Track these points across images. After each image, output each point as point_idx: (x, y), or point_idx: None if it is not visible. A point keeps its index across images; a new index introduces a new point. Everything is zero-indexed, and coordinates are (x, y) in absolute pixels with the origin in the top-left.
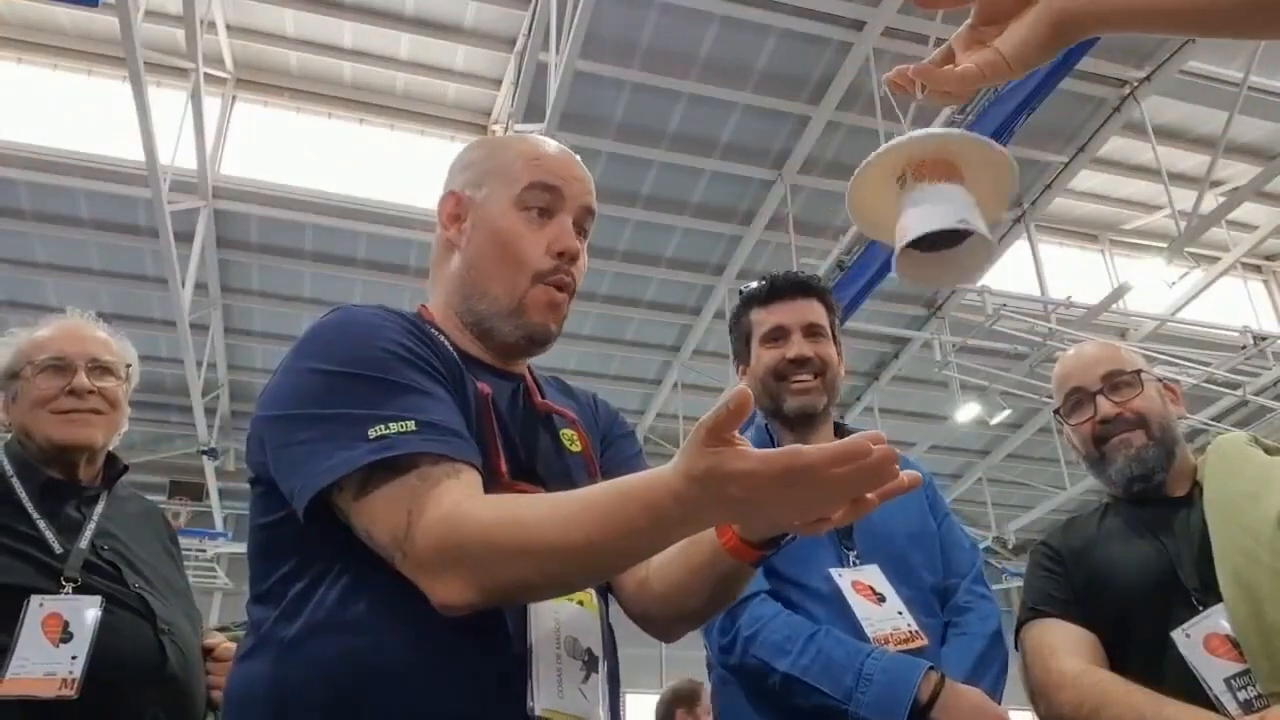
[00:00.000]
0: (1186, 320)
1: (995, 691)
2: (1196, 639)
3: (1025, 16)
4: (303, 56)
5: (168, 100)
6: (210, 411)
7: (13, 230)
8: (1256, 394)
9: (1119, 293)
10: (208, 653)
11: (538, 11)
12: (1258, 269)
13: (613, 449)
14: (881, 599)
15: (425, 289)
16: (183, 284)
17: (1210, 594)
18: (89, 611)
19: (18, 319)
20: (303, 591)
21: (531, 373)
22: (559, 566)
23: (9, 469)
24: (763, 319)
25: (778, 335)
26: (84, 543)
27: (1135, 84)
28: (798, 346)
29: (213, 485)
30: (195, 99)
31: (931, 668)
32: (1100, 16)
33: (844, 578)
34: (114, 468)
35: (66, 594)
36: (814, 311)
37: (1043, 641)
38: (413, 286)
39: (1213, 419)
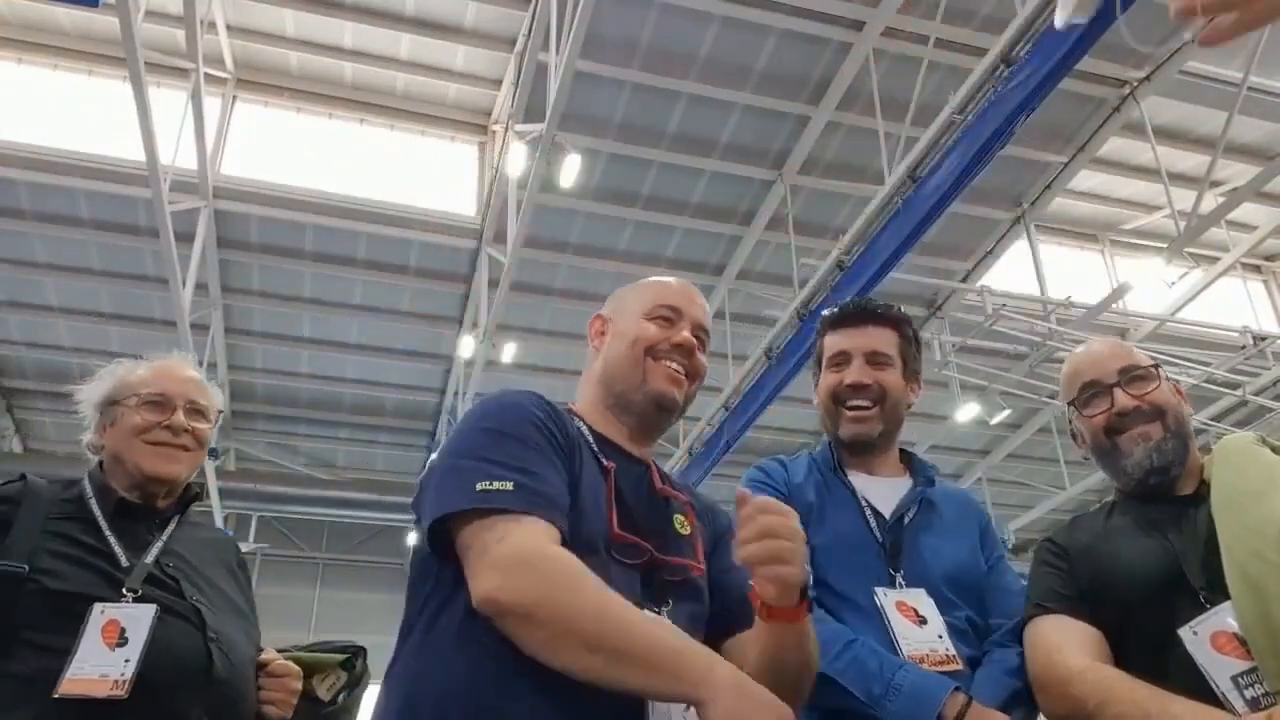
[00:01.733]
0: (1186, 320)
1: None
2: (1204, 636)
3: None
4: (303, 57)
5: (168, 100)
6: None
7: (13, 230)
8: (1256, 394)
9: (1119, 293)
10: (262, 667)
11: (538, 11)
12: (1257, 269)
13: (721, 551)
14: (924, 621)
15: (424, 289)
16: (183, 284)
17: (1217, 592)
18: (144, 618)
19: (18, 319)
20: (435, 613)
21: (657, 466)
22: (568, 625)
23: (89, 491)
24: (831, 343)
25: (840, 360)
26: (149, 558)
27: (1135, 84)
28: (856, 373)
29: (213, 485)
30: (195, 99)
31: (959, 689)
32: None
33: (888, 597)
34: (188, 494)
35: (127, 603)
36: (881, 339)
37: (1048, 637)
38: (413, 287)
39: (1212, 419)
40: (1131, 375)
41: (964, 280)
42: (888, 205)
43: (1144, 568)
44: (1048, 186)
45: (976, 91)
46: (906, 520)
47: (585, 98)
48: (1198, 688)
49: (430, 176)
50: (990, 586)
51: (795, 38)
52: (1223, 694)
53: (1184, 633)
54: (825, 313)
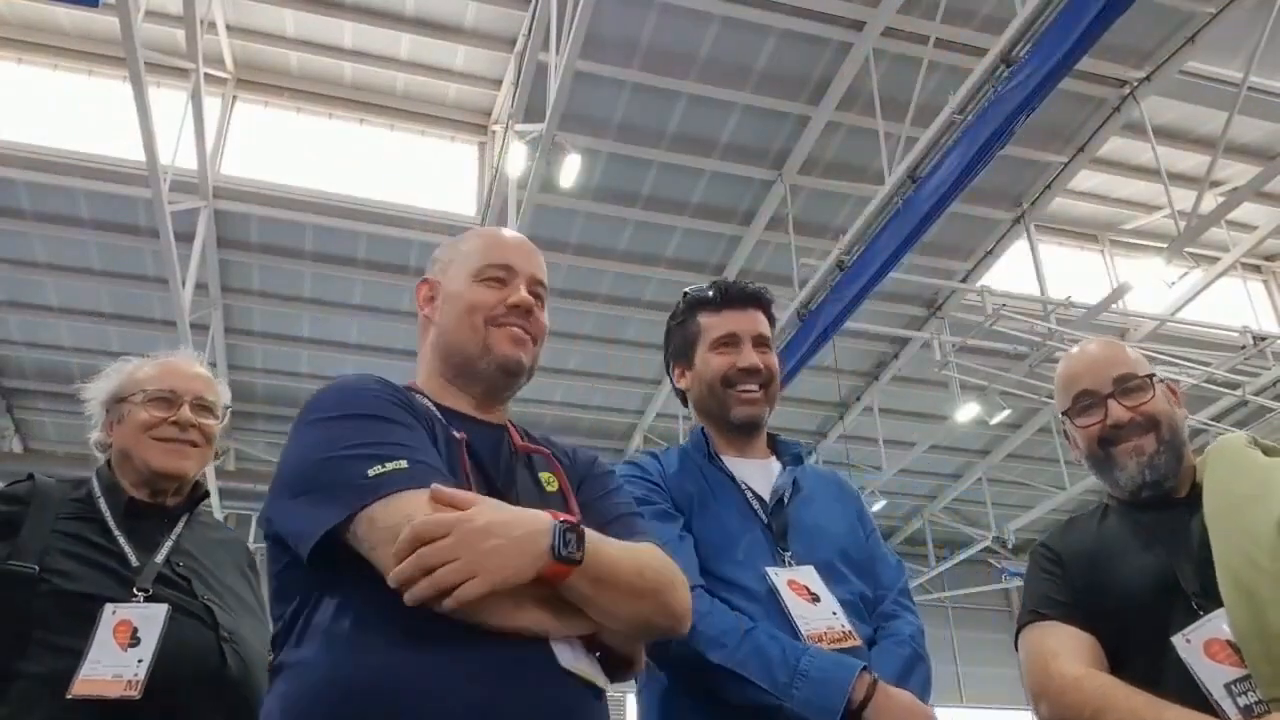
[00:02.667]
0: (1186, 320)
1: (923, 694)
2: (1197, 644)
3: None
4: (303, 57)
5: (168, 100)
6: None
7: (13, 230)
8: (1256, 394)
9: (1118, 293)
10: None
11: (538, 11)
12: (1257, 269)
13: (588, 485)
14: (816, 599)
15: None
16: (183, 284)
17: (1210, 599)
18: (156, 618)
19: (18, 319)
20: (308, 621)
21: (514, 425)
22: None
23: (97, 490)
24: (714, 324)
25: (729, 342)
26: (159, 558)
27: (1135, 84)
28: (750, 356)
29: (213, 485)
30: (195, 99)
31: (865, 668)
32: None
33: (780, 577)
34: (197, 492)
35: (138, 603)
36: (762, 323)
37: (1043, 644)
38: (412, 287)
39: (1212, 419)
40: (1126, 386)
41: (964, 280)
42: (888, 205)
43: (1138, 575)
44: (1048, 186)
45: (976, 91)
46: (786, 499)
47: (585, 98)
48: (1192, 695)
49: (430, 176)
50: (871, 558)
51: (795, 38)
52: (1216, 701)
53: (1177, 640)
54: (697, 291)
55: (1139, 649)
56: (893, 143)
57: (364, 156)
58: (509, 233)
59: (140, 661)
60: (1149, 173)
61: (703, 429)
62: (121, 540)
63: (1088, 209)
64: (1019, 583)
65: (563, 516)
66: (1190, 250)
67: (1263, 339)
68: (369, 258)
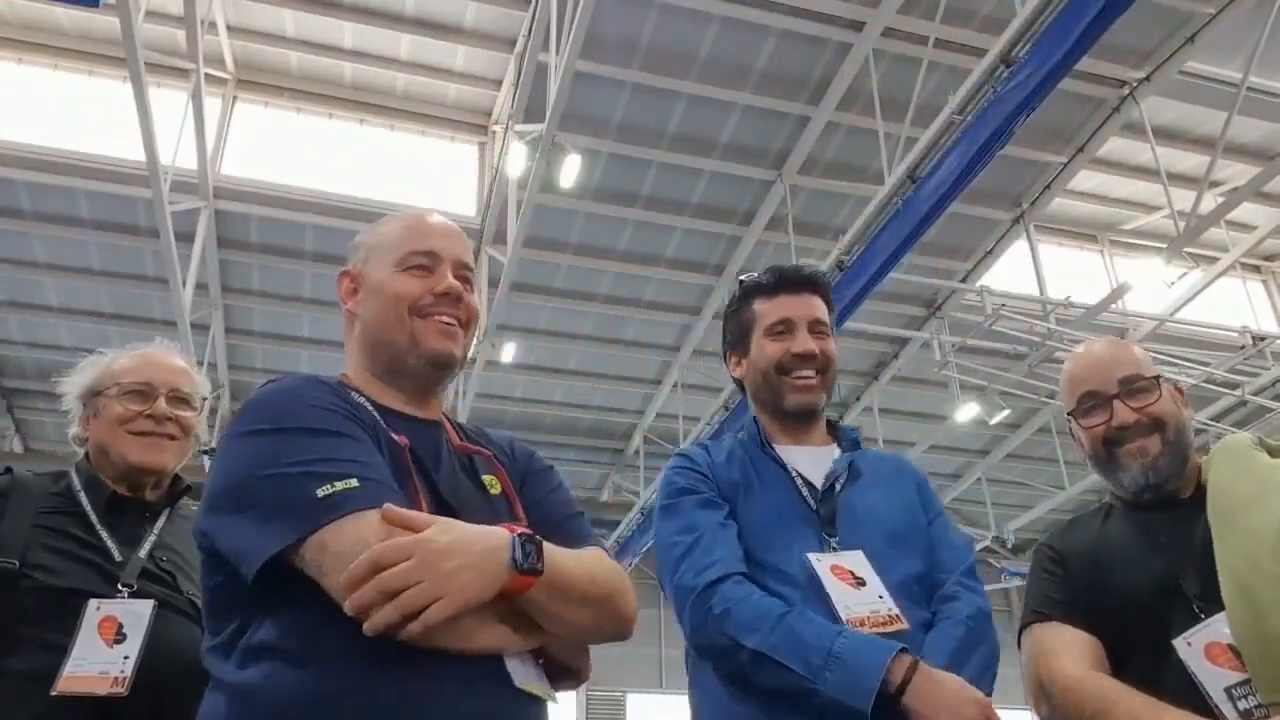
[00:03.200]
0: (1185, 320)
1: (980, 679)
2: (1198, 647)
3: None
4: (303, 57)
5: (168, 100)
6: (211, 411)
7: (13, 230)
8: (1255, 394)
9: (1118, 293)
10: None
11: (538, 12)
12: (1256, 269)
13: (530, 485)
14: (861, 583)
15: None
16: (183, 284)
17: (1212, 602)
18: (142, 614)
19: (18, 319)
20: (250, 641)
21: (449, 420)
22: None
23: (77, 484)
24: (767, 311)
25: (783, 329)
26: (143, 552)
27: (1134, 84)
28: (805, 342)
29: None
30: (196, 99)
31: (904, 650)
32: None
33: (822, 562)
34: (177, 486)
35: (123, 598)
36: (819, 307)
37: (1044, 644)
38: None
39: (1212, 419)
40: (1132, 387)
41: (964, 280)
42: (887, 205)
43: (1139, 577)
44: (1047, 186)
45: (976, 92)
46: (839, 486)
47: (585, 98)
48: (1192, 698)
49: (430, 176)
50: (934, 542)
51: (795, 38)
52: (1215, 705)
53: (1178, 644)
54: (751, 278)
55: (1140, 651)
56: (892, 143)
57: (364, 156)
58: (431, 216)
59: (127, 658)
60: (1148, 173)
61: (755, 418)
62: (104, 535)
63: (1087, 209)
64: (1019, 582)
65: (519, 530)
66: (1190, 250)
67: (1262, 339)
68: None
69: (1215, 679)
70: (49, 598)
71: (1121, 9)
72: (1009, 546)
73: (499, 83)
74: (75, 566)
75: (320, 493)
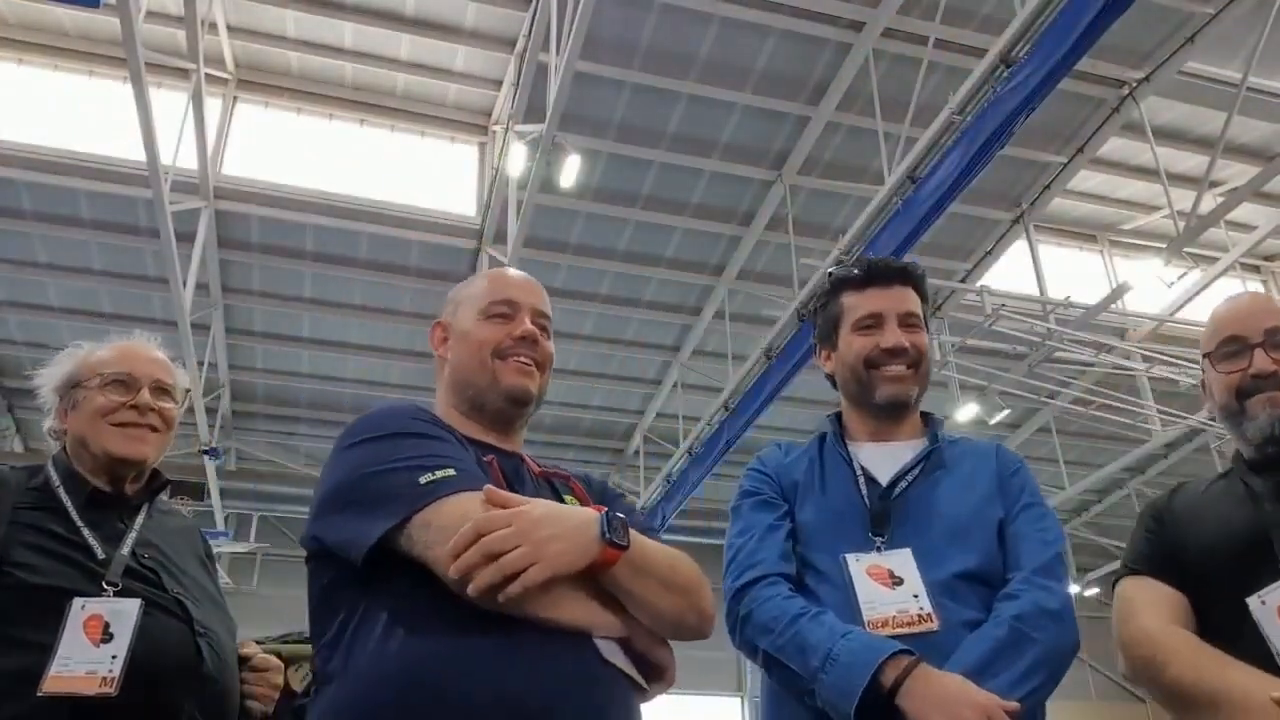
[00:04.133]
0: (1185, 320)
1: (1023, 680)
2: (1271, 606)
3: None
4: (303, 57)
5: (169, 101)
6: (211, 411)
7: (13, 230)
8: None
9: (1118, 293)
10: (244, 661)
11: (538, 12)
12: (1256, 269)
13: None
14: (899, 582)
15: (424, 289)
16: (184, 284)
17: None
18: (129, 613)
19: (18, 319)
20: (356, 631)
21: (526, 455)
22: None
23: (55, 479)
24: (856, 304)
25: (872, 323)
26: (125, 549)
27: (1134, 84)
28: (894, 336)
29: (214, 485)
30: (196, 99)
31: (904, 651)
32: None
33: (860, 563)
34: (156, 481)
35: (108, 597)
36: (910, 300)
37: (1129, 598)
38: (413, 287)
39: (1211, 419)
40: (1277, 338)
41: (964, 280)
42: (887, 205)
43: (1227, 535)
44: (1047, 186)
45: (976, 92)
46: (910, 481)
47: (585, 98)
48: (1268, 657)
49: (430, 177)
50: (1015, 536)
51: (795, 38)
52: None
53: (1252, 601)
54: (841, 271)
55: (1224, 609)
56: (892, 143)
57: (364, 157)
58: (512, 271)
59: (115, 658)
60: (1148, 173)
61: (837, 414)
62: (85, 531)
63: (1087, 209)
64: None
65: (605, 509)
66: (1189, 250)
67: None
68: (369, 258)
69: None
70: (29, 596)
71: (1121, 9)
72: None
73: (499, 83)
74: (56, 564)
75: (422, 479)
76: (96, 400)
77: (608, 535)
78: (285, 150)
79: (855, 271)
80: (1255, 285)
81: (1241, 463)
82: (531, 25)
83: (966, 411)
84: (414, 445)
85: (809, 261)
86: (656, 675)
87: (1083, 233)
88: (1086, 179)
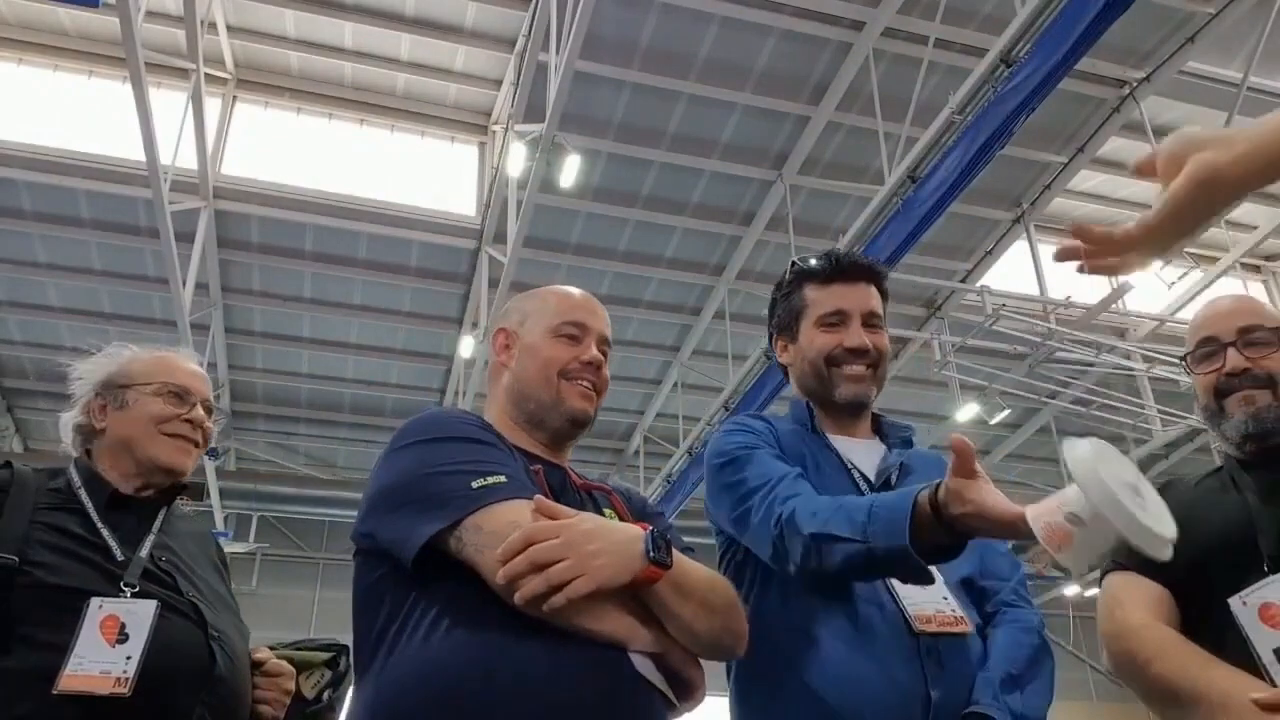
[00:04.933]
0: (1185, 320)
1: (1048, 694)
2: (1253, 607)
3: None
4: (303, 57)
5: (168, 101)
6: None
7: (13, 230)
8: None
9: (1118, 293)
10: (257, 666)
11: (538, 12)
12: (1257, 269)
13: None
14: (929, 581)
15: (424, 289)
16: (183, 284)
17: None
18: (145, 615)
19: (18, 319)
20: (401, 629)
21: (571, 469)
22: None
23: (77, 481)
24: (820, 299)
25: (836, 320)
26: (144, 552)
27: (1135, 84)
28: (858, 336)
29: (213, 485)
30: (196, 99)
31: (922, 488)
32: (1247, 173)
33: None
34: (174, 487)
35: (125, 598)
36: (874, 299)
37: (1114, 593)
38: (413, 287)
39: None
40: (1251, 337)
41: (964, 280)
42: (887, 205)
43: (1213, 532)
44: (1047, 186)
45: (976, 92)
46: (893, 482)
47: (585, 98)
48: (1250, 658)
49: (431, 177)
50: (984, 545)
51: (795, 38)
52: (1264, 666)
53: (1234, 602)
54: (802, 263)
55: (1208, 607)
56: (892, 143)
57: (364, 157)
58: (581, 294)
59: (129, 659)
60: None
61: (807, 401)
62: (105, 533)
63: (1087, 209)
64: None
65: (650, 528)
66: (1190, 250)
67: None
68: (369, 258)
69: (1266, 640)
70: (48, 596)
71: (1121, 9)
72: (1009, 546)
73: (499, 83)
74: (75, 565)
75: (474, 484)
76: (152, 407)
77: (652, 554)
78: (285, 150)
79: (820, 265)
80: (1255, 285)
81: (1230, 460)
82: (531, 25)
83: (966, 411)
84: (467, 450)
85: None
86: (688, 693)
87: None
88: (1087, 179)
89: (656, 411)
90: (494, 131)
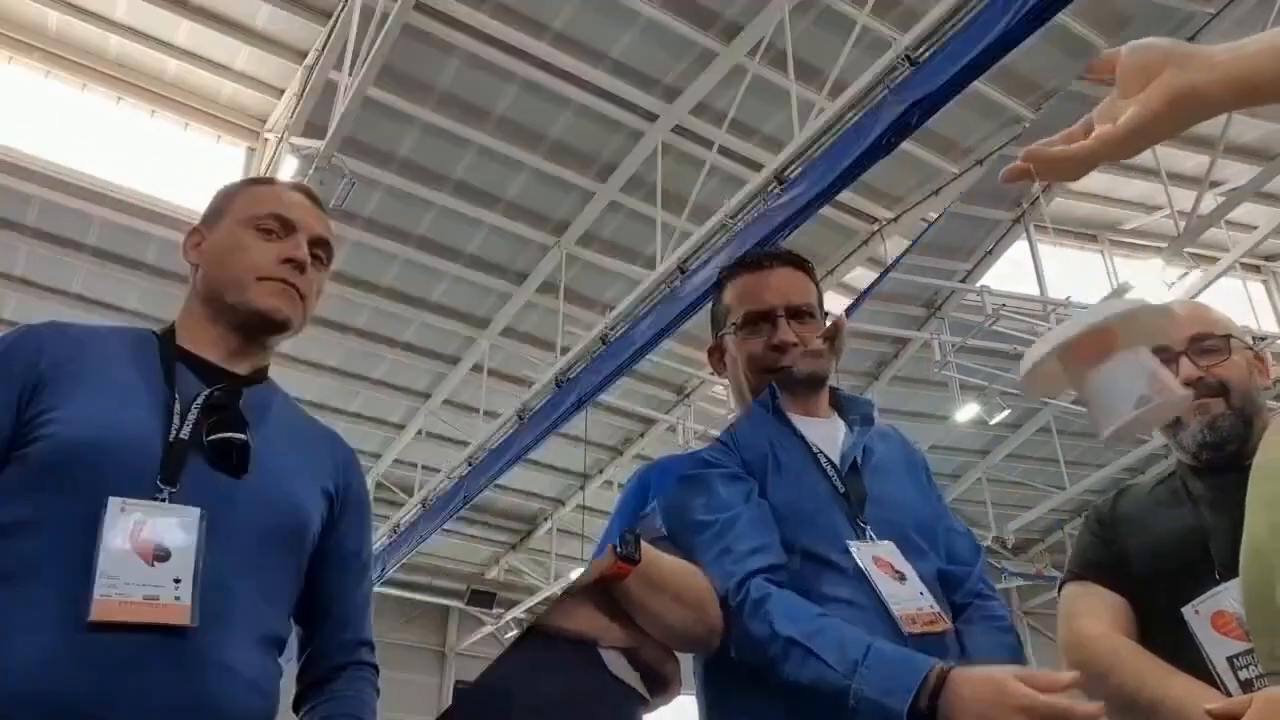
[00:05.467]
0: None
1: None
2: (1205, 615)
3: (1147, 88)
4: (64, 19)
5: None
6: None
7: None
8: None
9: (1119, 293)
10: None
11: (336, 29)
12: (1257, 269)
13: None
14: (902, 577)
15: (156, 291)
16: None
17: (1235, 572)
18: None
19: None
20: None
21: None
22: None
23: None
24: (736, 298)
25: (754, 319)
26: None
27: None
28: (783, 332)
29: None
30: None
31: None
32: (1228, 94)
33: (863, 552)
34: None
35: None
36: (794, 281)
37: (1072, 604)
38: (143, 286)
39: None
40: (1201, 346)
41: (964, 280)
42: (655, 291)
43: (1166, 541)
44: (1047, 186)
45: (749, 201)
46: (859, 464)
47: (372, 125)
48: (1204, 666)
49: (190, 172)
50: (947, 529)
51: (592, 115)
52: (1218, 674)
53: (1187, 611)
54: (726, 264)
55: (1163, 616)
56: (668, 233)
57: (118, 140)
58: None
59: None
60: (1148, 173)
61: (773, 388)
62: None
63: (1087, 209)
64: (1019, 583)
65: None
66: (1190, 250)
67: (1263, 339)
68: (98, 245)
69: (1219, 648)
70: None
71: (884, 153)
72: (1009, 546)
73: (280, 91)
74: None
75: None
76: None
77: (620, 549)
78: (23, 113)
79: (733, 264)
80: (1255, 285)
81: (1182, 466)
82: (327, 40)
83: (966, 411)
84: None
85: (574, 330)
86: (662, 687)
87: (1083, 232)
88: (1087, 179)
89: (394, 457)
90: (266, 139)
